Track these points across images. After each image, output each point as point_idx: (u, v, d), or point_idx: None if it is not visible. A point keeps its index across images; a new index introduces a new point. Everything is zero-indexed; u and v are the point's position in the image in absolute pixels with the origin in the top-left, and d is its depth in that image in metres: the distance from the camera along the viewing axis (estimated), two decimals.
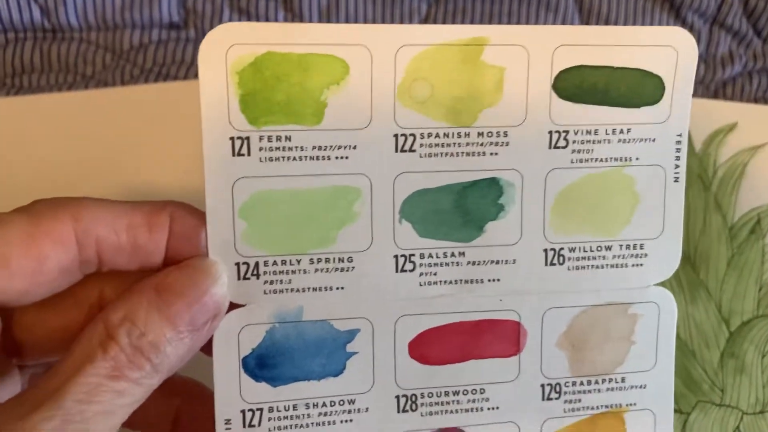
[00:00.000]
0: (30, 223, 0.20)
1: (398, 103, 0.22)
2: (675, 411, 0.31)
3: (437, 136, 0.22)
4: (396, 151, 0.22)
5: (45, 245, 0.20)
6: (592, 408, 0.24)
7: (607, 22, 0.44)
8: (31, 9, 0.42)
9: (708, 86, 0.46)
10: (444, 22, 0.43)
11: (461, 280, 0.23)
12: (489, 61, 0.22)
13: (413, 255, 0.23)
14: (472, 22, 0.43)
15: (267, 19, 0.43)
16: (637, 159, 0.23)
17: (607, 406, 0.24)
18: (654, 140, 0.23)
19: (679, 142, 0.23)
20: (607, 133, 0.23)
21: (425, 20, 0.43)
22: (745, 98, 0.46)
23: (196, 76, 0.43)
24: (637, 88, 0.23)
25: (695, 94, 0.44)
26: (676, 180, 0.23)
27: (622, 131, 0.23)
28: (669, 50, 0.23)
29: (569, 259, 0.23)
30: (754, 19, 0.47)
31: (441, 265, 0.23)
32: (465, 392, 0.24)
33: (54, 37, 0.43)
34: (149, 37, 0.42)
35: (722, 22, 0.45)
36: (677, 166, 0.23)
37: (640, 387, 0.24)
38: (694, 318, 0.34)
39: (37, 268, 0.20)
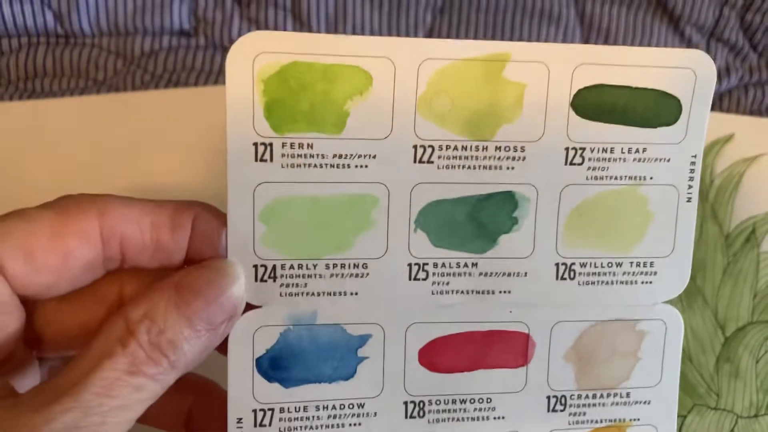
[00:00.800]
0: (56, 218, 0.21)
1: (419, 115, 0.22)
2: None
3: (455, 148, 0.23)
4: (414, 162, 0.22)
5: (71, 241, 0.21)
6: (596, 422, 0.25)
7: (607, 35, 0.45)
8: (44, 14, 0.43)
9: None
10: (448, 34, 0.44)
11: (473, 291, 0.24)
12: (510, 77, 0.22)
13: (426, 264, 0.23)
14: (475, 35, 0.44)
15: (276, 28, 0.43)
16: (651, 178, 0.24)
17: (611, 420, 0.25)
18: (669, 160, 0.24)
19: (693, 162, 0.24)
20: (622, 152, 0.23)
21: (430, 31, 0.44)
22: (740, 111, 0.47)
23: (205, 82, 0.44)
24: (655, 109, 0.23)
25: None
26: (689, 200, 0.24)
27: (638, 150, 0.23)
28: (688, 72, 0.23)
29: (580, 274, 0.24)
30: (750, 34, 0.48)
31: (453, 275, 0.23)
32: (472, 401, 0.24)
33: (66, 43, 0.43)
34: (160, 44, 0.43)
35: (719, 36, 0.46)
36: (690, 187, 0.24)
37: (645, 402, 0.25)
38: (690, 324, 0.35)
39: (62, 263, 0.21)
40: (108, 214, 0.21)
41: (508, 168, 0.23)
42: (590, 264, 0.24)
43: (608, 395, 0.25)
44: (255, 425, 0.23)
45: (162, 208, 0.22)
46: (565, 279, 0.24)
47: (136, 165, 0.37)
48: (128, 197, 0.22)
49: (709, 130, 0.43)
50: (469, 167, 0.23)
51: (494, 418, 0.24)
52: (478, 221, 0.23)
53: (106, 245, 0.21)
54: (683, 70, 0.23)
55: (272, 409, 0.23)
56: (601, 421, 0.25)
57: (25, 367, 0.23)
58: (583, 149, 0.23)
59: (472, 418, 0.24)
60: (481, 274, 0.23)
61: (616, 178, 0.23)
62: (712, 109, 0.48)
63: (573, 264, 0.24)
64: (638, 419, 0.25)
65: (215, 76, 0.43)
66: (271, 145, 0.22)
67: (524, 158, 0.23)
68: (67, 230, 0.21)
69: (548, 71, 0.22)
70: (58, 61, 0.43)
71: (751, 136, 0.42)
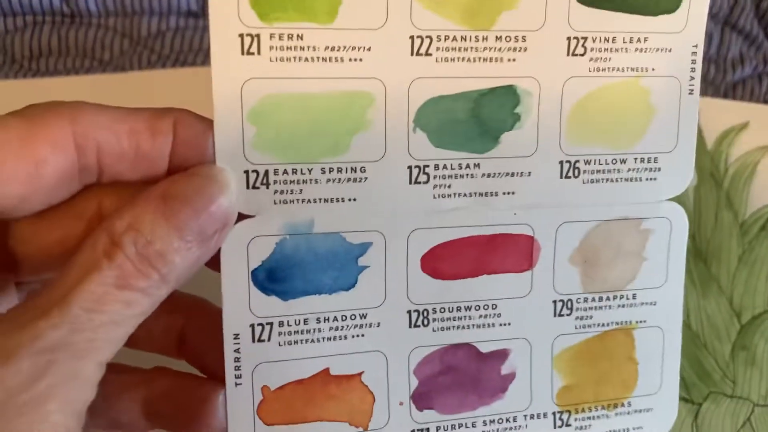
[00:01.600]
0: (25, 125, 0.19)
1: (415, 2, 0.21)
2: (687, 401, 0.32)
3: (454, 39, 0.21)
4: (412, 54, 0.21)
5: (42, 148, 0.19)
6: (603, 325, 0.24)
7: None
8: None
9: (718, 87, 0.47)
10: None
11: (476, 193, 0.22)
12: None
13: (427, 166, 0.22)
14: None
15: None
16: (653, 69, 0.23)
17: (617, 323, 0.24)
18: (670, 50, 0.23)
19: (694, 53, 0.23)
20: (624, 42, 0.22)
21: None
22: (755, 100, 0.47)
23: None
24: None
25: (705, 94, 0.45)
26: (691, 92, 0.23)
27: (639, 40, 0.22)
28: None
29: (584, 171, 0.23)
30: (765, 22, 0.47)
31: (455, 177, 0.22)
32: (477, 308, 0.23)
33: (72, 22, 0.43)
34: (167, 24, 0.43)
35: (734, 24, 0.46)
36: (692, 78, 0.23)
37: (651, 304, 0.24)
38: (705, 311, 0.34)
39: (33, 172, 0.19)
40: (80, 120, 0.19)
41: (509, 60, 0.22)
42: (594, 161, 0.23)
43: (614, 297, 0.24)
44: (253, 341, 0.22)
45: (139, 113, 0.20)
46: (569, 177, 0.23)
47: None
48: (102, 104, 0.20)
49: (724, 118, 0.42)
50: (468, 59, 0.21)
51: (500, 324, 0.23)
52: (480, 118, 0.22)
53: (81, 153, 0.20)
54: None
55: (270, 323, 0.22)
56: (608, 324, 0.24)
57: (1, 292, 0.22)
58: (585, 39, 0.22)
59: (478, 326, 0.23)
60: (483, 175, 0.22)
61: (618, 70, 0.23)
62: (725, 97, 0.48)
63: (577, 161, 0.23)
64: (644, 321, 0.24)
65: None
66: (258, 36, 0.20)
67: (525, 49, 0.22)
68: (38, 137, 0.19)
69: None
70: (63, 41, 0.42)
71: (766, 124, 0.41)
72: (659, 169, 0.23)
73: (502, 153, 0.22)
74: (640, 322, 0.24)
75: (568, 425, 0.25)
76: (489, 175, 0.22)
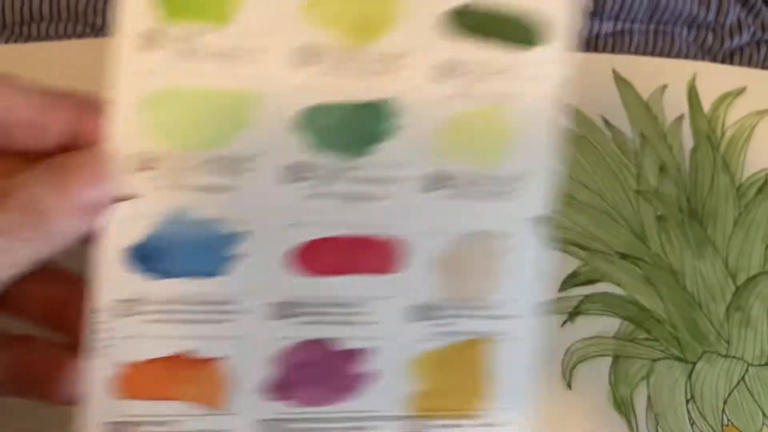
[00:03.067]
0: None
1: (305, 15, 0.23)
2: (681, 360, 0.31)
3: (338, 52, 0.24)
4: (296, 64, 0.23)
5: None
6: (462, 334, 0.25)
7: None
8: None
9: (716, 55, 0.46)
10: None
11: (347, 196, 0.24)
12: None
13: (303, 167, 0.24)
14: None
15: None
16: (518, 96, 0.25)
17: (476, 333, 0.25)
18: (536, 79, 0.25)
19: (559, 82, 0.25)
20: (493, 68, 0.24)
21: None
22: (753, 66, 0.46)
23: None
24: (523, 29, 0.24)
25: (702, 59, 0.44)
26: (554, 119, 0.25)
27: (507, 68, 0.24)
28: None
29: (450, 186, 0.24)
30: None
31: (329, 179, 0.24)
32: (340, 305, 0.24)
33: None
34: None
35: None
36: (556, 106, 0.25)
37: (510, 317, 0.25)
38: (701, 272, 0.34)
39: None
40: None
41: (387, 76, 0.24)
42: (460, 177, 0.25)
43: (474, 307, 0.25)
44: (117, 316, 0.22)
45: (36, 90, 0.22)
46: (435, 190, 0.24)
47: None
48: (20, 79, 0.22)
49: (721, 83, 0.42)
50: (350, 72, 0.24)
51: (361, 324, 0.24)
52: (355, 128, 0.24)
53: None
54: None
55: (135, 301, 0.23)
56: (467, 334, 0.25)
57: None
58: (457, 63, 0.24)
59: (342, 323, 0.24)
60: (356, 179, 0.24)
61: (484, 96, 0.24)
62: (724, 62, 0.47)
63: (443, 176, 0.24)
64: (503, 333, 0.25)
65: None
66: (158, 32, 0.22)
67: (403, 67, 0.24)
68: None
69: None
70: (55, 6, 0.42)
71: (763, 89, 0.41)
72: (522, 188, 0.25)
73: (375, 161, 0.24)
74: (499, 333, 0.25)
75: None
76: (361, 181, 0.24)
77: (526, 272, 0.25)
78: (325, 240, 0.24)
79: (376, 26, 0.24)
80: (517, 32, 0.24)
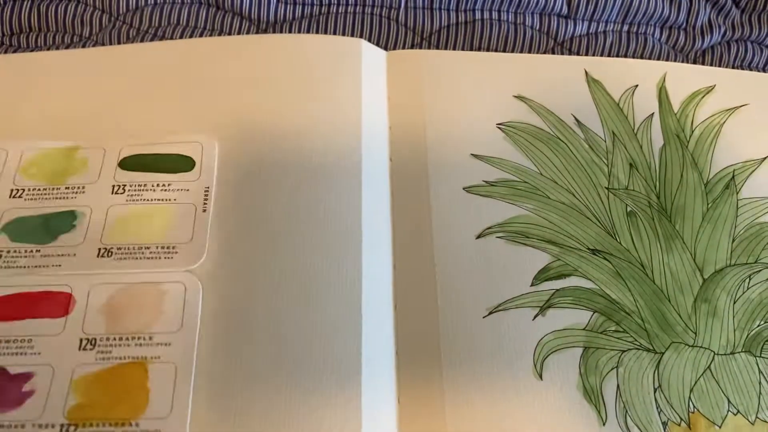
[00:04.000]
0: None
1: (18, 173, 0.37)
2: (648, 351, 0.32)
3: (37, 189, 0.36)
4: (10, 197, 0.36)
5: None
6: (121, 358, 0.31)
7: None
8: None
9: (688, 55, 0.47)
10: None
11: (34, 266, 0.34)
12: (79, 157, 0.37)
13: (2, 251, 0.34)
14: None
15: None
16: (175, 200, 0.36)
17: (134, 358, 0.31)
18: (188, 190, 0.36)
19: (206, 190, 0.36)
20: (153, 187, 0.36)
21: None
22: (723, 66, 0.47)
23: (191, 36, 0.44)
24: (177, 164, 0.37)
25: (674, 60, 0.45)
26: (204, 211, 0.35)
27: (164, 185, 0.36)
28: (197, 144, 0.37)
29: (116, 254, 0.34)
30: None
31: (21, 256, 0.34)
32: (15, 341, 0.32)
33: None
34: (145, 0, 0.43)
35: None
36: (205, 203, 0.35)
37: (165, 344, 0.32)
38: (669, 265, 0.35)
39: None
40: None
41: (73, 197, 0.36)
42: (125, 248, 0.34)
43: (133, 338, 0.32)
44: None
45: None
46: (105, 257, 0.34)
47: (125, 114, 0.38)
48: None
49: (690, 82, 0.43)
50: (47, 198, 0.36)
51: (32, 353, 0.31)
52: (47, 226, 0.35)
53: None
54: (193, 144, 0.37)
55: None
56: (125, 358, 0.31)
57: None
58: (125, 185, 0.36)
59: (15, 353, 0.31)
60: (42, 255, 0.34)
61: (149, 200, 0.36)
62: (696, 62, 0.48)
63: (111, 248, 0.34)
64: (159, 357, 0.31)
65: (200, 31, 0.44)
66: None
67: (84, 191, 0.36)
68: None
69: (104, 152, 0.37)
70: (43, 17, 0.43)
71: (732, 88, 0.42)
72: (177, 252, 0.34)
73: (58, 243, 0.35)
74: (155, 357, 0.31)
75: None
76: (46, 256, 0.34)
77: (181, 310, 0.32)
78: (12, 295, 0.33)
79: (66, 172, 0.36)
80: (170, 166, 0.36)
